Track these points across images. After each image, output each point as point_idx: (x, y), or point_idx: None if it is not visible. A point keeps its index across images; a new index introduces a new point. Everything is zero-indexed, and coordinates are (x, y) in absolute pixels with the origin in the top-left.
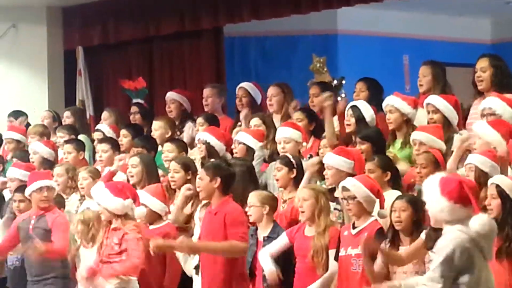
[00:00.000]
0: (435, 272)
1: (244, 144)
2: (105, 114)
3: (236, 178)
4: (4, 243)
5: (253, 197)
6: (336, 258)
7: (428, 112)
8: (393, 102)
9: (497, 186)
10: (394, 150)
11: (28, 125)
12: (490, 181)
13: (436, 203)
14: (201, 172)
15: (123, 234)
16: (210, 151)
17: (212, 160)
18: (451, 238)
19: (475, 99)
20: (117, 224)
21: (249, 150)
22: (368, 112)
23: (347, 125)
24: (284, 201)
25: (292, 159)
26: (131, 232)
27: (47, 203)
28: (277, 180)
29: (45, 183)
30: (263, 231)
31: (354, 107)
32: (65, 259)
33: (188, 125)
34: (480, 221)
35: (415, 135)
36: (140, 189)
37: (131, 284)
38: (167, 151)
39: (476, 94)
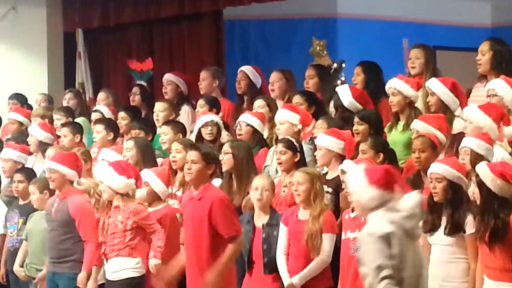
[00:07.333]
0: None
1: (250, 126)
2: (101, 95)
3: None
4: None
5: (265, 182)
6: (338, 242)
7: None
8: (396, 85)
9: (477, 175)
10: (396, 133)
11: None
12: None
13: (364, 193)
14: (195, 155)
15: (129, 213)
16: (254, 134)
17: (196, 144)
18: (371, 230)
19: (479, 81)
20: (118, 203)
21: (255, 133)
22: (345, 97)
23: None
24: (285, 185)
25: (295, 143)
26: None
27: (53, 185)
28: (280, 163)
29: (51, 165)
30: (263, 219)
31: (336, 94)
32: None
33: (184, 108)
34: (405, 203)
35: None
36: None
37: None
38: (163, 133)
39: (480, 77)
